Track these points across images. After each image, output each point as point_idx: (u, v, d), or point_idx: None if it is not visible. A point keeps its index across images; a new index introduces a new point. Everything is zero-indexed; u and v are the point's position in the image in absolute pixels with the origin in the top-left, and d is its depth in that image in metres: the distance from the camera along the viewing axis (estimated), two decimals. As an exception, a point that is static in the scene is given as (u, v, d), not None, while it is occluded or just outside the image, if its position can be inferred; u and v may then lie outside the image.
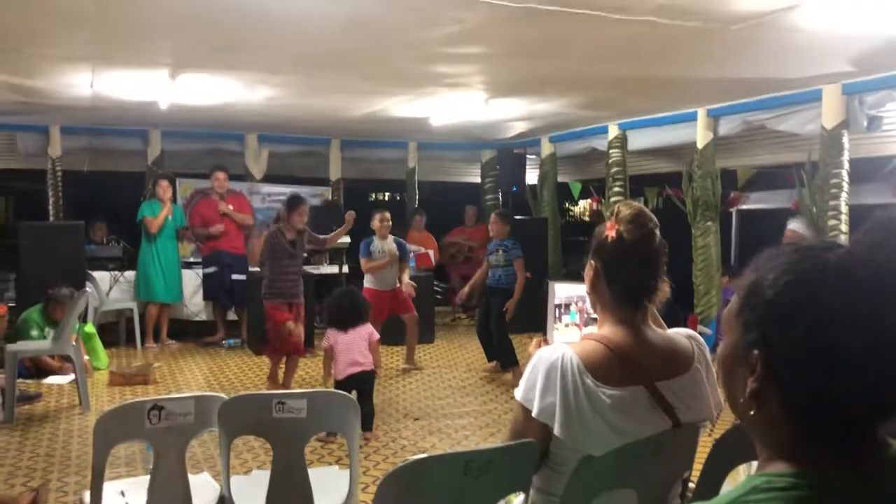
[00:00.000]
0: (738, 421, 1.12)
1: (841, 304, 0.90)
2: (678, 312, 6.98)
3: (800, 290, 0.93)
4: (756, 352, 0.95)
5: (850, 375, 0.90)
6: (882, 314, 0.90)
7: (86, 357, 6.50)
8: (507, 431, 2.00)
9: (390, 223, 7.07)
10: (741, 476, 2.52)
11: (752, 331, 0.96)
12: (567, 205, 13.92)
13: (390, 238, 7.02)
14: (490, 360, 7.06)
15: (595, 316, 2.04)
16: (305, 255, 6.54)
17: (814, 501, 0.89)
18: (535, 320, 8.56)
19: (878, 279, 0.91)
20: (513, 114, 8.02)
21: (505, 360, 6.76)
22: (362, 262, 6.97)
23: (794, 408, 0.94)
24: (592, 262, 1.96)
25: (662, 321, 2.17)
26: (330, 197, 9.92)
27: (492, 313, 6.80)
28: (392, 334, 7.19)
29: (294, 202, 6.09)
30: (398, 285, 6.98)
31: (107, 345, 7.55)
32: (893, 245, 0.92)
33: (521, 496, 2.01)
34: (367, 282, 6.92)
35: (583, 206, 14.57)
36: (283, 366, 6.10)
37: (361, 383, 4.91)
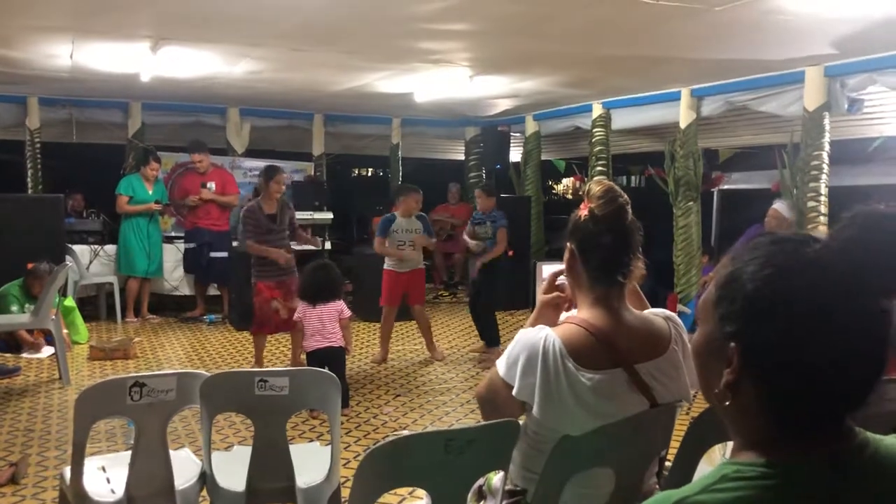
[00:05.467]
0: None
1: (819, 299, 0.92)
2: (659, 292, 7.05)
3: (779, 285, 0.94)
4: (733, 344, 0.96)
5: (826, 368, 0.92)
6: (858, 309, 0.92)
7: (65, 331, 6.46)
8: (480, 391, 2.01)
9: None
10: (717, 455, 2.57)
11: (730, 323, 0.97)
12: (551, 183, 13.93)
13: (413, 216, 6.59)
14: (482, 338, 6.96)
15: None
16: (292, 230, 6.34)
17: (782, 491, 0.91)
18: (517, 298, 8.65)
19: (855, 275, 0.92)
20: (497, 91, 7.99)
21: (489, 339, 6.75)
22: (376, 241, 6.56)
23: (769, 399, 0.95)
24: (568, 244, 1.98)
25: (646, 300, 2.19)
26: (313, 172, 9.87)
27: (481, 291, 6.77)
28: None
29: (272, 170, 5.91)
30: (419, 267, 6.68)
31: (87, 319, 7.51)
32: (870, 240, 0.94)
33: (501, 474, 2.04)
34: (387, 263, 6.58)
35: (566, 185, 14.59)
36: (284, 347, 6.07)
37: (330, 360, 4.89)
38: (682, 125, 7.46)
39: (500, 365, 1.90)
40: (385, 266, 6.61)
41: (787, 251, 0.97)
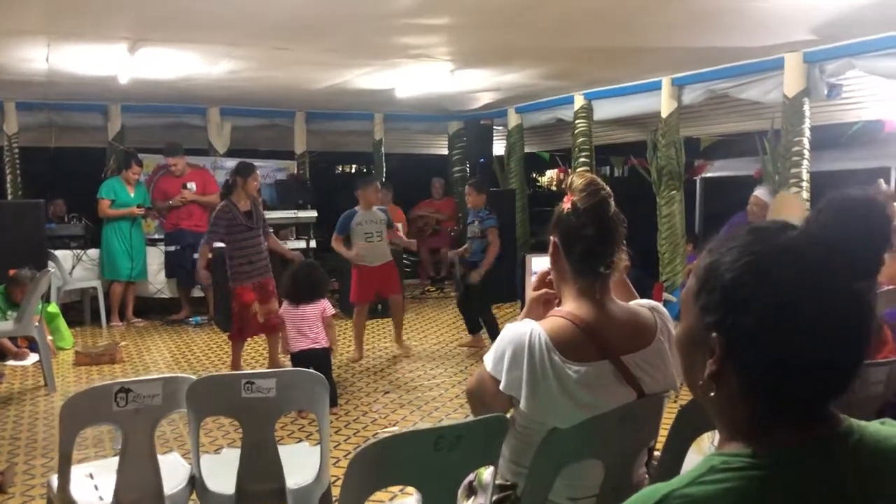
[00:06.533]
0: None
1: (796, 284, 0.92)
2: (644, 281, 7.07)
3: (756, 273, 0.95)
4: (715, 334, 0.96)
5: (807, 354, 0.92)
6: (834, 293, 0.93)
7: (49, 337, 6.40)
8: (470, 386, 2.01)
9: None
10: (705, 444, 2.58)
11: (711, 313, 0.98)
12: (535, 175, 13.95)
13: (374, 208, 6.53)
14: (471, 333, 6.94)
15: None
16: (271, 229, 6.28)
17: (769, 480, 0.91)
18: (504, 291, 8.65)
19: (830, 259, 0.93)
20: (479, 85, 7.99)
21: (491, 335, 6.68)
22: (333, 239, 6.50)
23: (753, 388, 0.96)
24: (552, 237, 1.98)
25: (634, 290, 2.20)
26: (296, 171, 9.83)
27: (474, 291, 6.71)
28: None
29: (248, 167, 5.74)
30: (389, 260, 6.59)
31: (71, 324, 7.45)
32: (844, 225, 0.95)
33: (491, 468, 2.04)
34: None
35: (549, 177, 14.62)
36: (264, 350, 6.02)
37: (314, 360, 4.87)
38: (664, 114, 7.48)
39: (488, 360, 1.90)
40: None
41: (763, 239, 0.98)
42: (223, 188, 5.85)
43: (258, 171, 5.93)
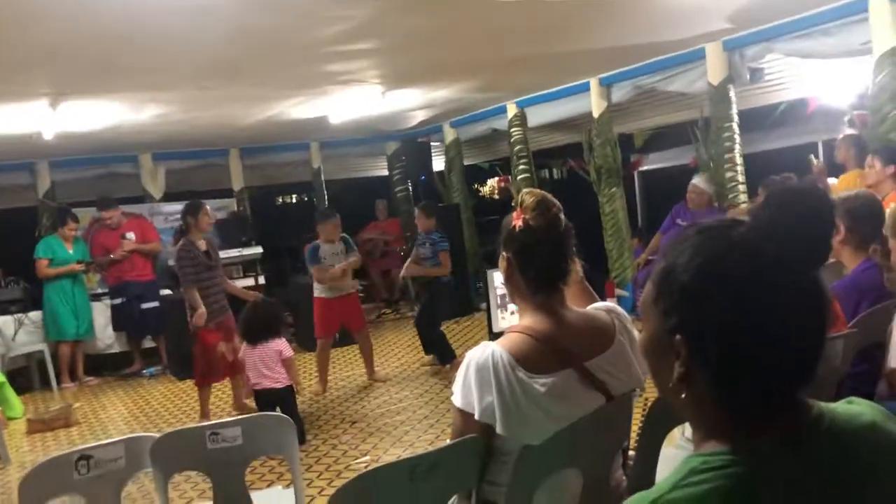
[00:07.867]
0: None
1: (752, 280, 0.94)
2: (594, 278, 7.15)
3: (711, 271, 0.96)
4: (678, 336, 0.97)
5: (770, 347, 0.94)
6: (790, 284, 0.94)
7: (-2, 409, 6.17)
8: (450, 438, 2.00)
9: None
10: (677, 436, 2.61)
11: (672, 316, 0.98)
12: (476, 186, 14.01)
13: (336, 240, 6.43)
14: (427, 353, 6.93)
15: None
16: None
17: (750, 476, 0.92)
18: (458, 305, 8.64)
19: (782, 251, 0.95)
20: (411, 103, 8.01)
21: (441, 355, 6.68)
22: (314, 271, 6.36)
23: (721, 386, 0.96)
24: (504, 253, 1.99)
25: (595, 294, 2.22)
26: (236, 208, 9.69)
27: (424, 308, 6.73)
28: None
29: (197, 205, 5.68)
30: (353, 291, 6.51)
31: (20, 391, 7.17)
32: (791, 217, 0.97)
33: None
34: (317, 291, 6.39)
35: (491, 185, 14.71)
36: (229, 394, 5.90)
37: (276, 399, 4.82)
38: (595, 114, 7.59)
39: (456, 396, 1.87)
40: (315, 294, 6.43)
41: (713, 238, 0.99)
42: (176, 233, 5.71)
43: (208, 207, 5.82)
